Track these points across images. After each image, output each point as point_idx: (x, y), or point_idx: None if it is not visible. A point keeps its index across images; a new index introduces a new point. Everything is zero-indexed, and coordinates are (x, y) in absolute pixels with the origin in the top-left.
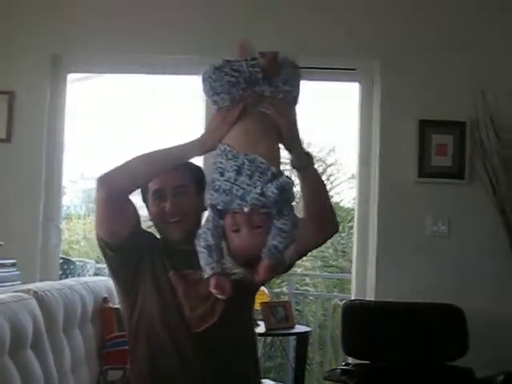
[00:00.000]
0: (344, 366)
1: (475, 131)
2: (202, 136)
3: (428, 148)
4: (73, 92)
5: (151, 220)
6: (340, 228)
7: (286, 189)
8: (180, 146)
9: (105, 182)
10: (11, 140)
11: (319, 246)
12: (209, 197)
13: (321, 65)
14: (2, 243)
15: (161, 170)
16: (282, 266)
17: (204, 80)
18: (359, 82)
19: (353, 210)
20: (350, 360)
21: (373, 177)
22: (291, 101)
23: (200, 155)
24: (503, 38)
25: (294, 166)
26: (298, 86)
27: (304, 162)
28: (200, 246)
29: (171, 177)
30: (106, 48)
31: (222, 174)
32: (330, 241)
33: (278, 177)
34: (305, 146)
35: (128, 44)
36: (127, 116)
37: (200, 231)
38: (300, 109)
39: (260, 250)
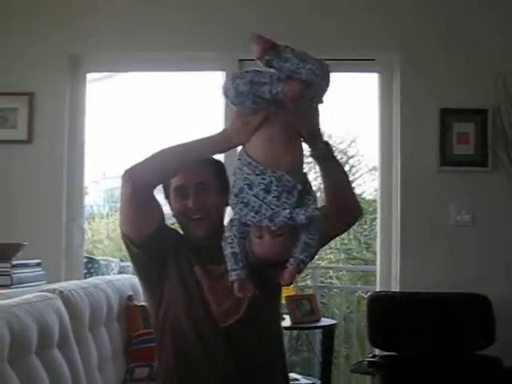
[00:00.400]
0: (371, 358)
1: (497, 118)
2: (224, 132)
3: (449, 136)
4: (92, 91)
5: (174, 216)
6: (363, 220)
7: (314, 219)
8: (202, 141)
9: (131, 176)
10: (32, 141)
11: (343, 233)
12: (238, 211)
13: (340, 57)
14: (26, 243)
15: (185, 164)
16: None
17: (230, 84)
18: (379, 73)
19: (375, 201)
20: (377, 352)
21: (394, 167)
22: (316, 105)
23: (222, 152)
24: None
25: (314, 157)
26: (326, 91)
27: (324, 152)
28: (227, 251)
29: (193, 173)
30: (124, 47)
31: (250, 187)
32: (352, 233)
33: (305, 198)
34: (325, 137)
35: (145, 42)
36: (147, 114)
37: (226, 234)
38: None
39: (282, 256)
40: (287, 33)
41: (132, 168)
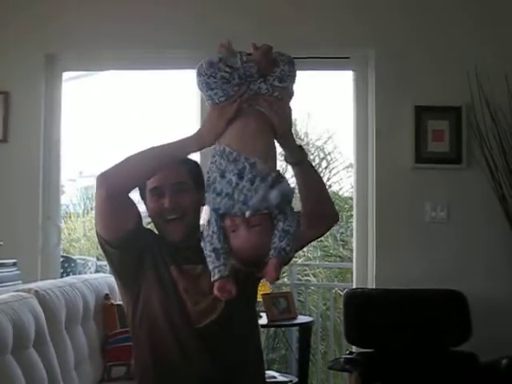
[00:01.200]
0: (348, 355)
1: (471, 115)
2: (199, 131)
3: (424, 134)
4: (69, 90)
5: (150, 217)
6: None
7: (288, 195)
8: (177, 142)
9: (104, 180)
10: (8, 140)
11: (318, 237)
12: (210, 200)
13: (314, 54)
14: (1, 243)
15: (159, 168)
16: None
17: (198, 75)
18: (353, 70)
19: (351, 198)
20: (354, 349)
21: (370, 165)
22: (286, 97)
23: (197, 151)
24: (495, 20)
25: (287, 161)
26: (294, 81)
27: (298, 157)
28: (207, 249)
29: (169, 173)
30: (101, 46)
31: (222, 176)
32: (329, 231)
33: (278, 181)
34: (300, 137)
35: (122, 41)
36: (123, 113)
37: (205, 234)
38: (297, 97)
39: (260, 248)
40: (261, 30)
41: (106, 172)
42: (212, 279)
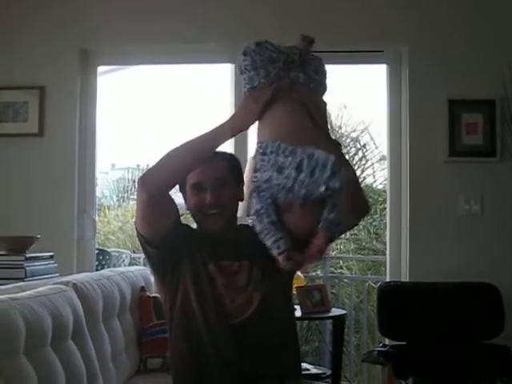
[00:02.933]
0: (381, 347)
1: (505, 108)
2: (232, 118)
3: (458, 127)
4: (102, 84)
5: (188, 210)
6: (372, 210)
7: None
8: (211, 132)
9: (145, 183)
10: (44, 134)
11: (350, 229)
12: (270, 191)
13: (348, 48)
14: (39, 236)
15: (197, 161)
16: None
17: (246, 53)
18: (387, 64)
19: (385, 191)
20: (387, 341)
21: (404, 158)
22: (322, 91)
23: (232, 137)
24: None
25: None
26: (326, 76)
27: (332, 149)
28: (264, 222)
29: (210, 169)
30: (135, 40)
31: (280, 172)
32: (362, 223)
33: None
34: (333, 132)
35: (156, 35)
36: (156, 106)
37: (257, 207)
38: (332, 89)
39: (311, 224)
40: (295, 25)
41: (146, 174)
42: (277, 251)
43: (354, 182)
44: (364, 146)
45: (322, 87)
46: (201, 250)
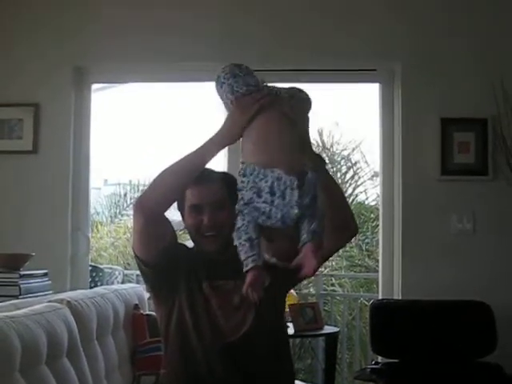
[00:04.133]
0: (373, 365)
1: (497, 127)
2: (218, 133)
3: (450, 145)
4: (96, 101)
5: (187, 229)
6: (364, 227)
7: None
8: (200, 148)
9: (142, 207)
10: (38, 151)
11: (337, 250)
12: (250, 215)
13: (341, 67)
14: (33, 254)
15: (189, 179)
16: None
17: (224, 68)
18: (380, 83)
19: (377, 208)
20: (380, 359)
21: (396, 176)
22: (306, 107)
23: (219, 151)
24: None
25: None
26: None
27: (315, 164)
28: (241, 238)
29: (208, 192)
30: (128, 57)
31: (258, 195)
32: (354, 240)
33: (303, 185)
34: (325, 150)
35: (149, 52)
36: (149, 122)
37: (238, 224)
38: (324, 107)
39: (295, 249)
40: (288, 44)
41: (141, 198)
42: (245, 269)
43: (338, 197)
44: (355, 163)
45: (304, 104)
46: (197, 270)
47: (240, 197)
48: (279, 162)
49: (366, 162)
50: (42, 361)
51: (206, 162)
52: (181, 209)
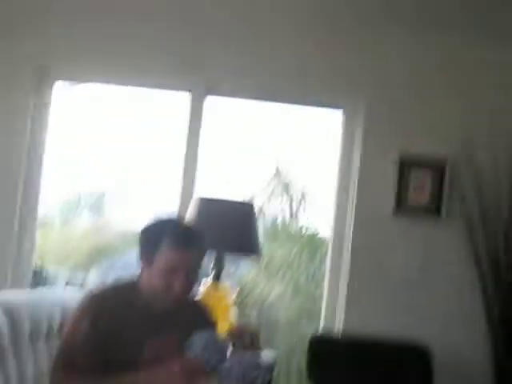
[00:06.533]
0: None
1: (455, 170)
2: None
3: (406, 184)
4: (56, 104)
5: (145, 284)
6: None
7: None
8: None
9: None
10: None
11: None
12: None
13: (303, 100)
14: None
15: None
16: None
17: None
18: (343, 113)
19: (326, 240)
20: None
21: (350, 210)
22: None
23: None
24: (490, 83)
25: None
26: None
27: None
28: None
29: (188, 256)
30: (92, 57)
31: None
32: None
33: None
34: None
35: (112, 55)
36: (108, 127)
37: None
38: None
39: None
40: (251, 69)
41: None
42: None
43: None
44: (306, 195)
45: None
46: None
47: None
48: None
49: (315, 195)
50: None
51: None
52: (147, 261)
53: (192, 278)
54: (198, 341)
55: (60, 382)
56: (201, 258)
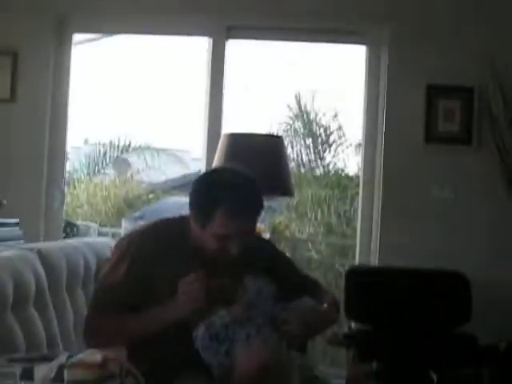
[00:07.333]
0: (347, 331)
1: (483, 97)
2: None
3: (435, 113)
4: (77, 54)
5: (197, 235)
6: (343, 194)
7: None
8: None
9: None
10: (16, 100)
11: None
12: None
13: (329, 26)
14: (5, 202)
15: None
16: None
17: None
18: (366, 45)
19: (357, 176)
20: (353, 325)
21: (379, 143)
22: None
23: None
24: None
25: None
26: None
27: None
28: None
29: (244, 225)
30: (111, 7)
31: None
32: (333, 207)
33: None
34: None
35: (134, 3)
36: (132, 80)
37: None
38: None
39: None
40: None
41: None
42: None
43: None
44: (333, 132)
45: None
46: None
47: None
48: None
49: (344, 131)
50: (8, 307)
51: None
52: (200, 222)
53: (250, 241)
54: (251, 287)
55: (96, 323)
56: (256, 225)
